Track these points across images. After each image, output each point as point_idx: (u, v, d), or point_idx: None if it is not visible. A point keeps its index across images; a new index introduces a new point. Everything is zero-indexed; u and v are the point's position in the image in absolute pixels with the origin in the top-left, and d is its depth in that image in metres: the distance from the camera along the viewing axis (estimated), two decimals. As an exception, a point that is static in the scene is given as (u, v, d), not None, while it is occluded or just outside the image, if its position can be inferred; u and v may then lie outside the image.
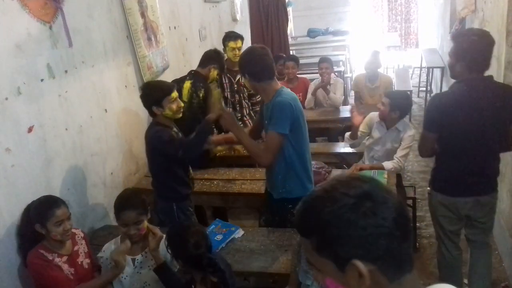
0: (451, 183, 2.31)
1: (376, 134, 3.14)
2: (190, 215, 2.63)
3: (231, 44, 3.61)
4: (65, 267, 1.96)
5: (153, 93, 2.44)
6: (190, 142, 2.44)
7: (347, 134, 3.28)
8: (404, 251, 0.76)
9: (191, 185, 2.71)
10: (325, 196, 0.77)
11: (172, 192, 2.57)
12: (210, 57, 3.34)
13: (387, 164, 2.97)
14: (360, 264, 0.73)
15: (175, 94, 2.47)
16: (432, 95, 2.31)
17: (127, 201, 1.97)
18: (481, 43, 2.09)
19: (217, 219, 2.67)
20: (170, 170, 2.54)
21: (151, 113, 2.50)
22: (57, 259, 1.94)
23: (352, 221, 0.73)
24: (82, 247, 2.08)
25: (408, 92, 6.12)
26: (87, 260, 2.08)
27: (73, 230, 2.04)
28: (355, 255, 0.73)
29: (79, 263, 2.03)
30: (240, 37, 3.63)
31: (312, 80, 4.66)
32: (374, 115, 3.16)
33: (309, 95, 4.37)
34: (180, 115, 2.53)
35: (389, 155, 3.06)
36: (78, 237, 2.09)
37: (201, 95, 3.21)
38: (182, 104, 2.53)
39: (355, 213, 0.73)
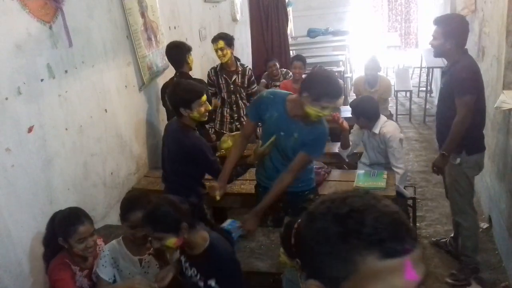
0: (481, 139, 2.67)
1: (363, 141, 3.23)
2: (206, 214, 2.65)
3: (214, 46, 3.65)
4: (85, 282, 1.94)
5: (184, 95, 2.37)
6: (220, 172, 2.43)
7: (339, 145, 3.28)
8: None
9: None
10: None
11: (195, 193, 2.53)
12: (176, 54, 3.32)
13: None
14: None
15: (205, 97, 2.42)
16: (459, 65, 2.51)
17: (136, 202, 1.95)
18: (466, 24, 2.56)
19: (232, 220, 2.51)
20: (198, 174, 2.57)
21: (177, 113, 2.44)
22: (78, 273, 1.92)
23: None
24: None
25: (408, 93, 6.18)
26: None
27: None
28: None
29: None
30: (221, 37, 3.62)
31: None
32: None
33: None
34: (206, 118, 2.50)
35: (382, 153, 3.13)
36: (99, 247, 2.05)
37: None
38: (210, 107, 2.48)
39: None
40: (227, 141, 2.73)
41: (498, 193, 3.05)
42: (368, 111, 3.04)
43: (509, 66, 2.80)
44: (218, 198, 2.31)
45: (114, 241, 2.05)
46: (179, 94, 2.39)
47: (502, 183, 2.94)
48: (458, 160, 2.64)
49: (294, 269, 1.83)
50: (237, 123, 3.90)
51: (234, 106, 3.85)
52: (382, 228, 0.59)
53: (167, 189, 2.65)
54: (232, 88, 3.78)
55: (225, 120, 3.92)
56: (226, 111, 3.87)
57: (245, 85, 3.79)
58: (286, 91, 2.41)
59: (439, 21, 2.57)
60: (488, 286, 2.77)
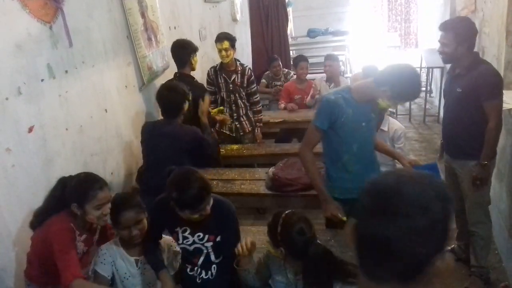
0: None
1: None
2: None
3: (218, 45, 3.64)
4: (81, 246, 1.91)
5: (186, 92, 2.82)
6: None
7: None
8: None
9: None
10: None
11: None
12: (182, 54, 3.40)
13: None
14: None
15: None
16: (483, 69, 2.44)
17: (123, 203, 1.94)
18: (474, 26, 2.49)
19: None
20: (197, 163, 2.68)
21: (179, 112, 2.80)
22: (77, 237, 1.88)
23: None
24: None
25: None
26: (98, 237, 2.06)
27: None
28: None
29: (93, 241, 2.01)
30: (227, 38, 3.62)
31: (313, 80, 4.71)
32: None
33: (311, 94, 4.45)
34: None
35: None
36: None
37: (190, 98, 3.18)
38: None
39: None
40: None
41: (498, 193, 3.05)
42: None
43: (509, 66, 2.80)
44: (345, 218, 2.21)
45: (111, 241, 2.05)
46: (183, 91, 2.81)
47: (502, 183, 2.94)
48: (486, 162, 2.50)
49: (276, 258, 1.84)
50: (236, 123, 3.90)
51: (234, 105, 3.85)
52: None
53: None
54: (231, 88, 3.78)
55: (225, 119, 3.92)
56: (226, 110, 3.88)
57: (244, 85, 3.79)
58: (344, 86, 2.45)
59: (448, 27, 2.47)
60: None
